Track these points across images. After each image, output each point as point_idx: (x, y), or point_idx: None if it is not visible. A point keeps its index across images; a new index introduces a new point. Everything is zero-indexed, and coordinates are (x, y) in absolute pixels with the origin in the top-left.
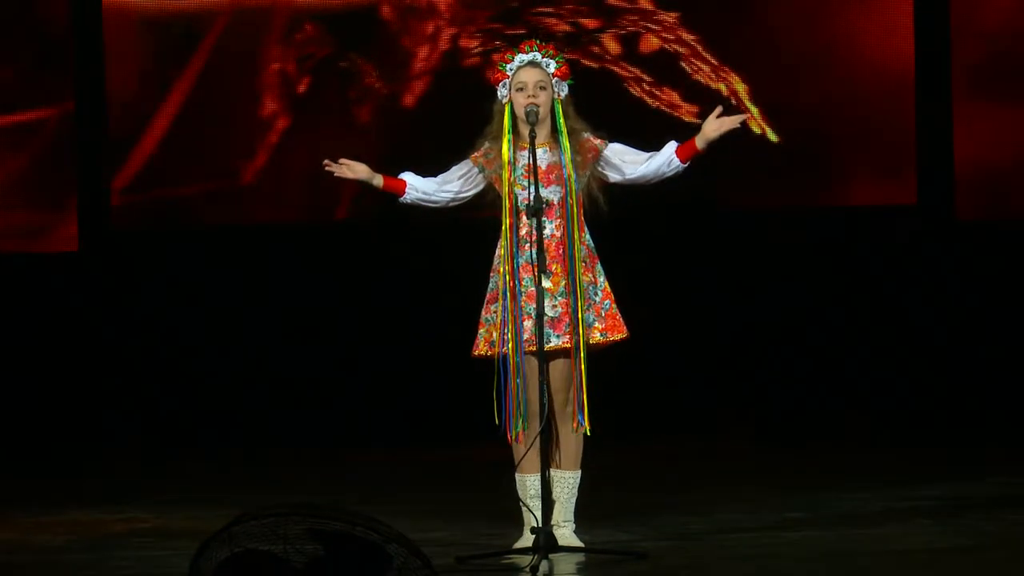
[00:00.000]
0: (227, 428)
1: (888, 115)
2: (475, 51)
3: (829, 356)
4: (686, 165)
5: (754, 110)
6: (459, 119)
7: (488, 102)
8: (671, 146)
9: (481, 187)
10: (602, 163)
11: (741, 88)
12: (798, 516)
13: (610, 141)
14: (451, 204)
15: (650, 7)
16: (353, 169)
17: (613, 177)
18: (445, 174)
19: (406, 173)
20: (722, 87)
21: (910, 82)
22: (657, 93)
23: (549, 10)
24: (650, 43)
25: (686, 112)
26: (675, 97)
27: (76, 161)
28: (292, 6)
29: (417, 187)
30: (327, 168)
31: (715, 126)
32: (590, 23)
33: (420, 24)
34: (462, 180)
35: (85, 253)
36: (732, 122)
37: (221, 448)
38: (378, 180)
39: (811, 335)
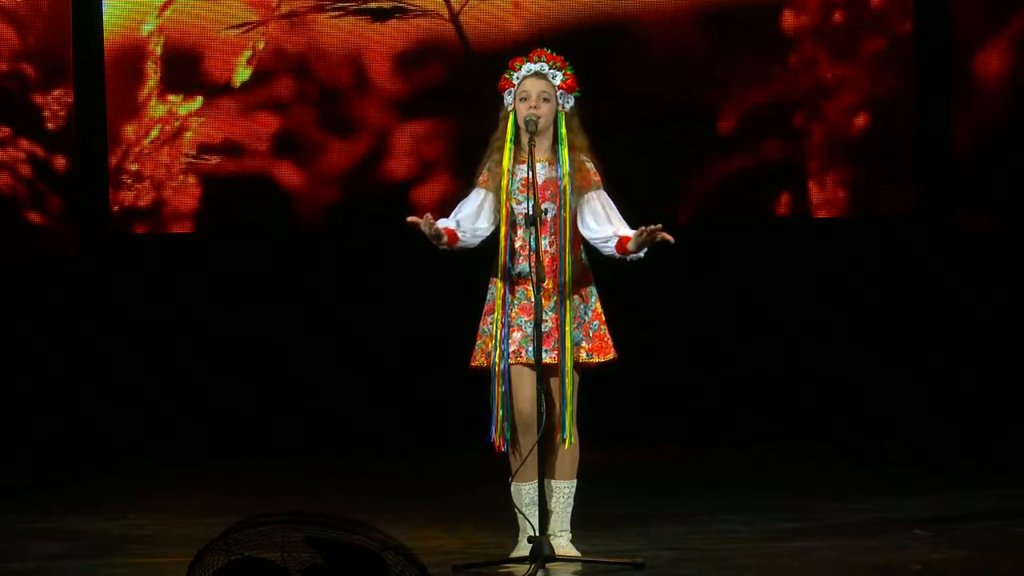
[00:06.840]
0: (223, 434)
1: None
2: None
3: (828, 366)
4: (619, 256)
5: None
6: None
7: (495, 109)
8: (616, 237)
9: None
10: (586, 199)
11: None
12: (796, 527)
13: (602, 188)
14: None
15: None
16: (430, 224)
17: (581, 222)
18: (467, 212)
19: (443, 221)
20: None
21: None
22: None
23: None
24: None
25: None
26: None
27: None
28: None
29: (459, 237)
30: (410, 223)
31: (643, 239)
32: None
33: None
34: (485, 215)
35: (85, 256)
36: (651, 237)
37: (218, 454)
38: (437, 229)
39: (811, 345)
